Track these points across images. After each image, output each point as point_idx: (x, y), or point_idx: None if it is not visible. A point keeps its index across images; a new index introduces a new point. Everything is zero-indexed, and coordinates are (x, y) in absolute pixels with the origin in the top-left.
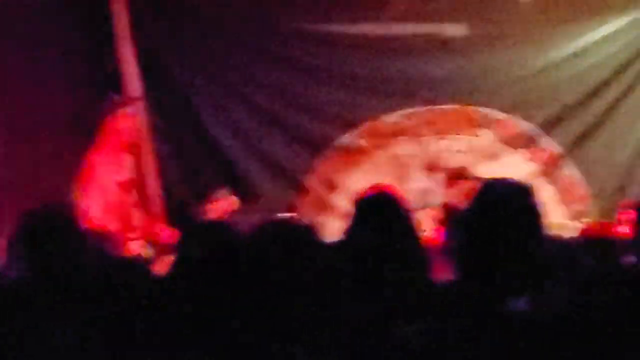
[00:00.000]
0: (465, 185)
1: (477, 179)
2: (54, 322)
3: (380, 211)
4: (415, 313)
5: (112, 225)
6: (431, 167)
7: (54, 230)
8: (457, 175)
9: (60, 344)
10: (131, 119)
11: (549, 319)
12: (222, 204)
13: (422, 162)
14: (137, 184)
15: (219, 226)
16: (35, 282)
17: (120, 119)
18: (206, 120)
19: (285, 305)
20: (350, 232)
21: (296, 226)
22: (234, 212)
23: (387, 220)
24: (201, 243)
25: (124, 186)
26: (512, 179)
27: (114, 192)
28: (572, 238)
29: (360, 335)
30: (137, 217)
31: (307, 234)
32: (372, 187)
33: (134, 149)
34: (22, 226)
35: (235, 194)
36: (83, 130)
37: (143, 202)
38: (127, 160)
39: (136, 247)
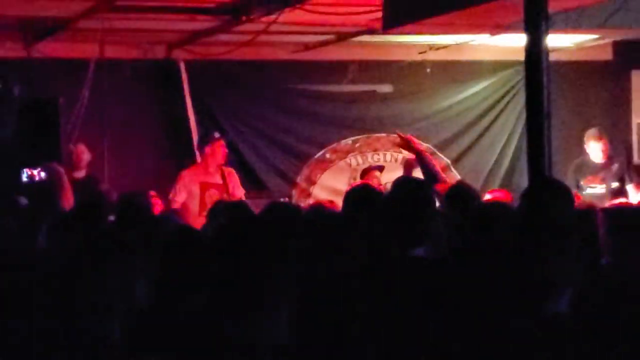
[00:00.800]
0: (372, 176)
1: (373, 169)
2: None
3: (367, 196)
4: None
5: (192, 206)
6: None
7: (132, 206)
8: (367, 170)
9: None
10: (222, 148)
11: (442, 260)
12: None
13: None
14: (220, 187)
15: (241, 206)
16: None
17: (214, 147)
18: (237, 144)
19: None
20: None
21: (290, 206)
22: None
23: (373, 201)
24: (228, 217)
25: (205, 185)
26: (416, 178)
27: (197, 187)
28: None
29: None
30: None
31: (297, 212)
32: (359, 183)
33: (222, 166)
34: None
35: (252, 187)
36: (185, 154)
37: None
38: (214, 171)
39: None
